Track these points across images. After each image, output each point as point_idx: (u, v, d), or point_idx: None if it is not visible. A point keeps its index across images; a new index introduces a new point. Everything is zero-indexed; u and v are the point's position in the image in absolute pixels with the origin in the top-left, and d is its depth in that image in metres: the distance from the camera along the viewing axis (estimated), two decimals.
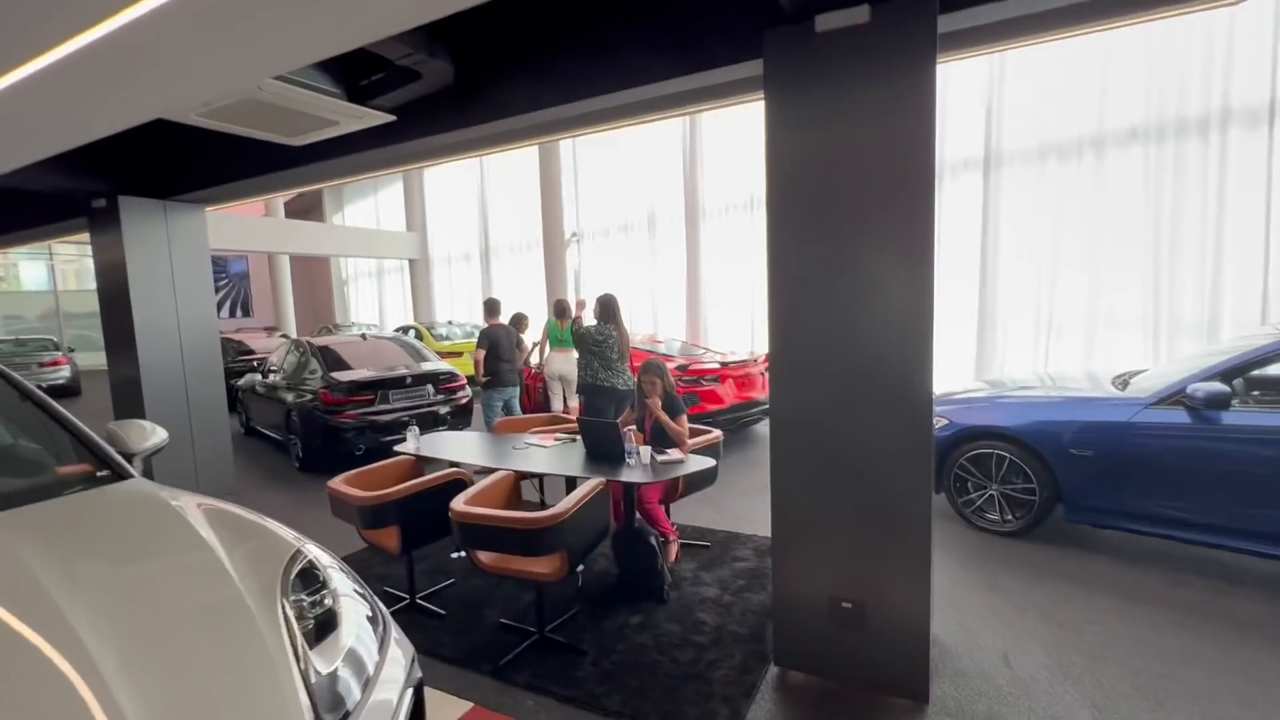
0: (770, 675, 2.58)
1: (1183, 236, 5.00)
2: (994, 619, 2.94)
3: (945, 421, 4.18)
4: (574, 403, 6.45)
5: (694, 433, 3.87)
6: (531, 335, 6.82)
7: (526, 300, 12.87)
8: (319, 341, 6.96)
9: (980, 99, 5.99)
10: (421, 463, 3.64)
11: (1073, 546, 3.69)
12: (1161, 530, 3.34)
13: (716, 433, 3.88)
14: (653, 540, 3.22)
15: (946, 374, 6.38)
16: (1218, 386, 3.14)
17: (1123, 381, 3.98)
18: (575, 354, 6.05)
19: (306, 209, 20.42)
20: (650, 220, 10.28)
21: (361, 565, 3.78)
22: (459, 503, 2.69)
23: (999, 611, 3.00)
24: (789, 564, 2.53)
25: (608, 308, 5.84)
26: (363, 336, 7.42)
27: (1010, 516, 3.87)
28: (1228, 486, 3.12)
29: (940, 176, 6.26)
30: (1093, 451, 3.51)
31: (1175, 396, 3.31)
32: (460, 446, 3.94)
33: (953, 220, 6.15)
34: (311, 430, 6.04)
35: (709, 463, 3.31)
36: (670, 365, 6.24)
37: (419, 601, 3.26)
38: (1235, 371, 3.23)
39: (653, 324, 10.38)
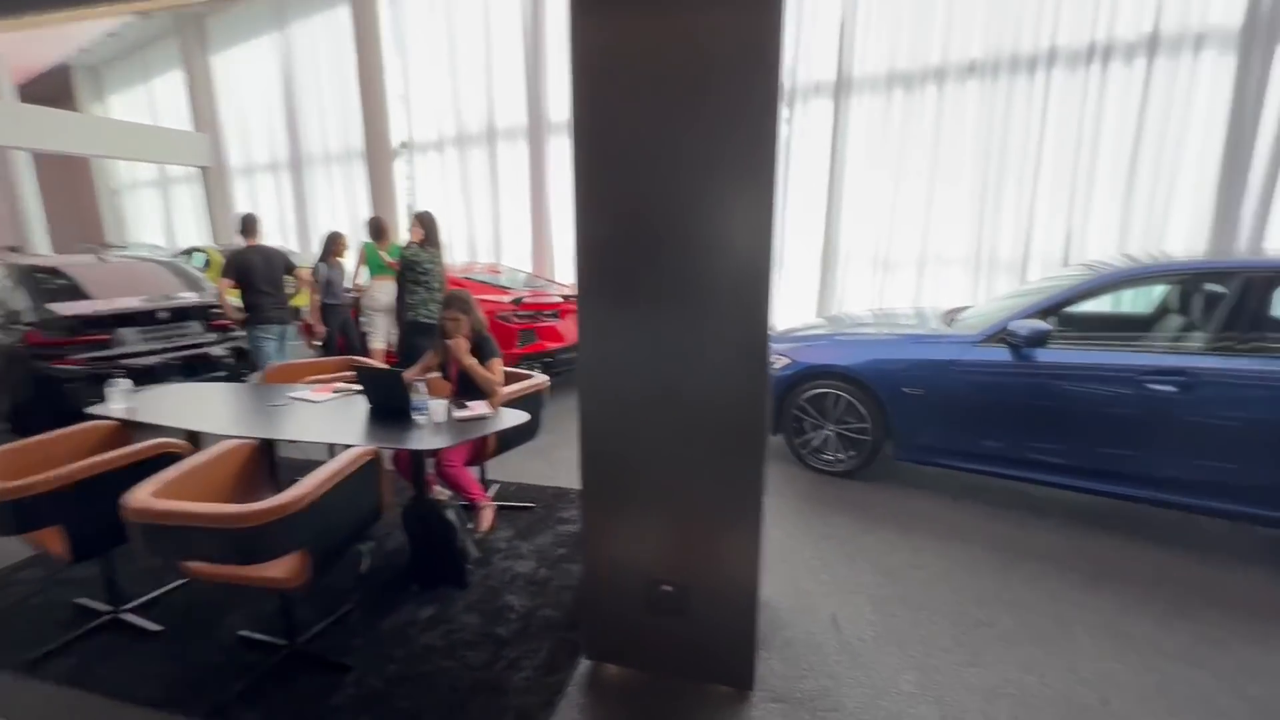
0: (581, 671, 2.16)
1: (1006, 176, 5.14)
2: (825, 573, 2.76)
3: (787, 361, 3.96)
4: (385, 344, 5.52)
5: (513, 378, 3.27)
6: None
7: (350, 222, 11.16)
8: (31, 262, 5.26)
9: (835, 17, 5.69)
10: (130, 429, 2.68)
11: (900, 484, 3.69)
12: (982, 466, 3.38)
13: (540, 378, 3.31)
14: (450, 514, 2.63)
15: (792, 309, 6.32)
16: (1038, 324, 3.12)
17: (950, 319, 3.98)
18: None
19: (53, 95, 15.99)
20: (489, 133, 9.10)
21: (46, 564, 2.80)
22: (140, 493, 1.87)
23: (831, 564, 2.84)
24: (602, 543, 2.07)
25: (430, 227, 4.94)
26: (99, 258, 5.74)
27: (844, 456, 3.79)
28: (1043, 422, 3.16)
29: (793, 99, 5.97)
30: (923, 389, 3.45)
31: (999, 334, 3.29)
32: (195, 404, 3.00)
33: (804, 149, 5.93)
34: (18, 382, 4.56)
35: (522, 417, 2.75)
36: (505, 299, 5.52)
37: (124, 616, 2.42)
38: (1052, 309, 3.25)
39: (495, 253, 9.41)
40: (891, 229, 5.61)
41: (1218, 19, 4.31)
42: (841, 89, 5.63)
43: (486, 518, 3.10)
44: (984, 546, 2.98)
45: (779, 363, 4.01)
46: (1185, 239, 4.55)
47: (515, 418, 2.74)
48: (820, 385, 3.79)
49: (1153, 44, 4.50)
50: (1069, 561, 2.84)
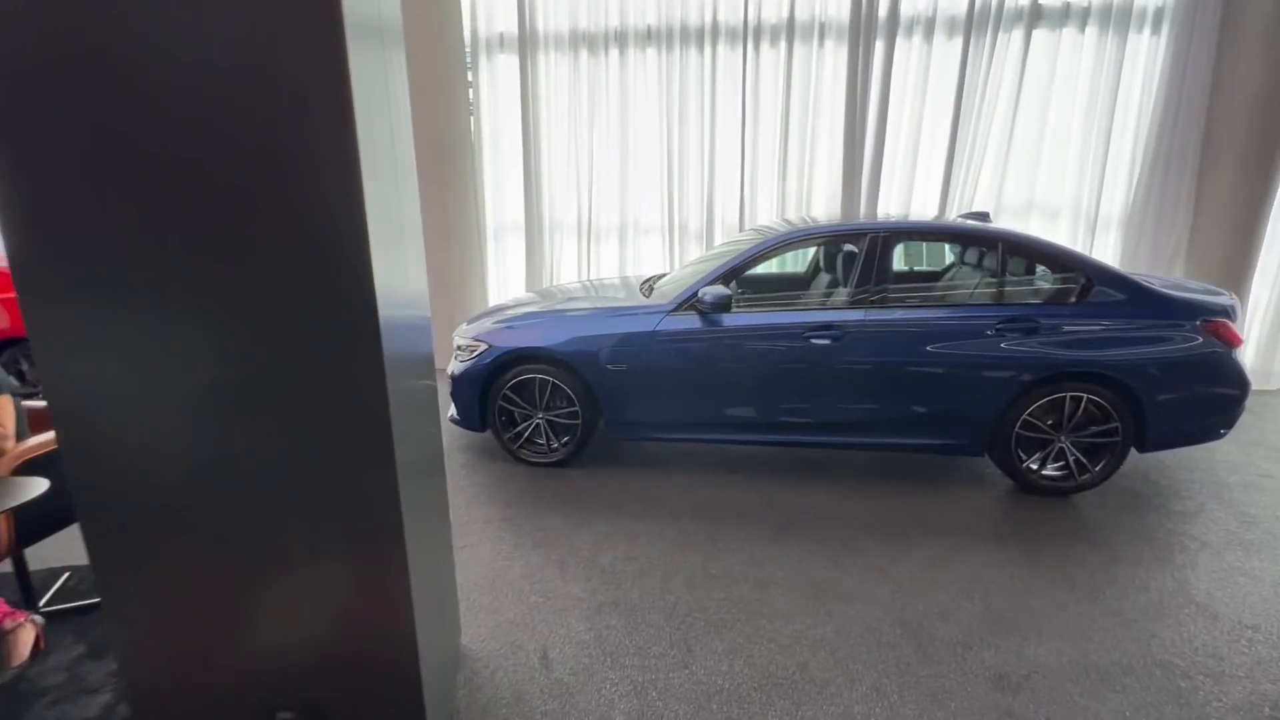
0: None
1: (688, 147, 5.34)
2: (535, 595, 2.40)
3: (484, 346, 3.48)
4: None
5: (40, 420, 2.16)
6: None
7: None
8: None
9: None
10: None
11: (617, 465, 3.55)
12: (687, 435, 3.39)
13: None
14: None
15: (507, 283, 5.85)
16: (721, 289, 3.17)
17: (649, 287, 3.93)
18: None
19: None
20: None
21: None
22: None
23: (542, 580, 2.49)
24: (148, 665, 1.35)
25: None
26: None
27: (557, 445, 3.49)
28: (733, 384, 3.25)
29: (477, 53, 5.38)
30: (626, 365, 3.30)
31: (689, 301, 3.28)
32: None
33: (499, 108, 5.41)
34: None
35: (41, 485, 1.76)
36: None
37: None
38: (732, 273, 3.34)
39: None
40: (593, 196, 5.49)
41: (835, 12, 5.03)
42: (527, 43, 5.24)
43: (23, 641, 2.00)
44: (692, 517, 2.96)
45: (476, 349, 3.51)
46: (825, 205, 5.31)
47: (33, 488, 1.74)
48: (524, 371, 3.41)
49: (790, 29, 5.07)
50: (762, 516, 2.97)
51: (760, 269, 3.76)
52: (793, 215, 5.30)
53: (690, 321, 3.25)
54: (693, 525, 2.89)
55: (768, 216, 5.44)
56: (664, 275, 4.30)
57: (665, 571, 2.54)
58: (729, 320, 3.22)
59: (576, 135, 5.45)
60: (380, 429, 1.24)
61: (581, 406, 3.39)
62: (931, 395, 3.10)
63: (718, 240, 5.51)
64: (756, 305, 3.41)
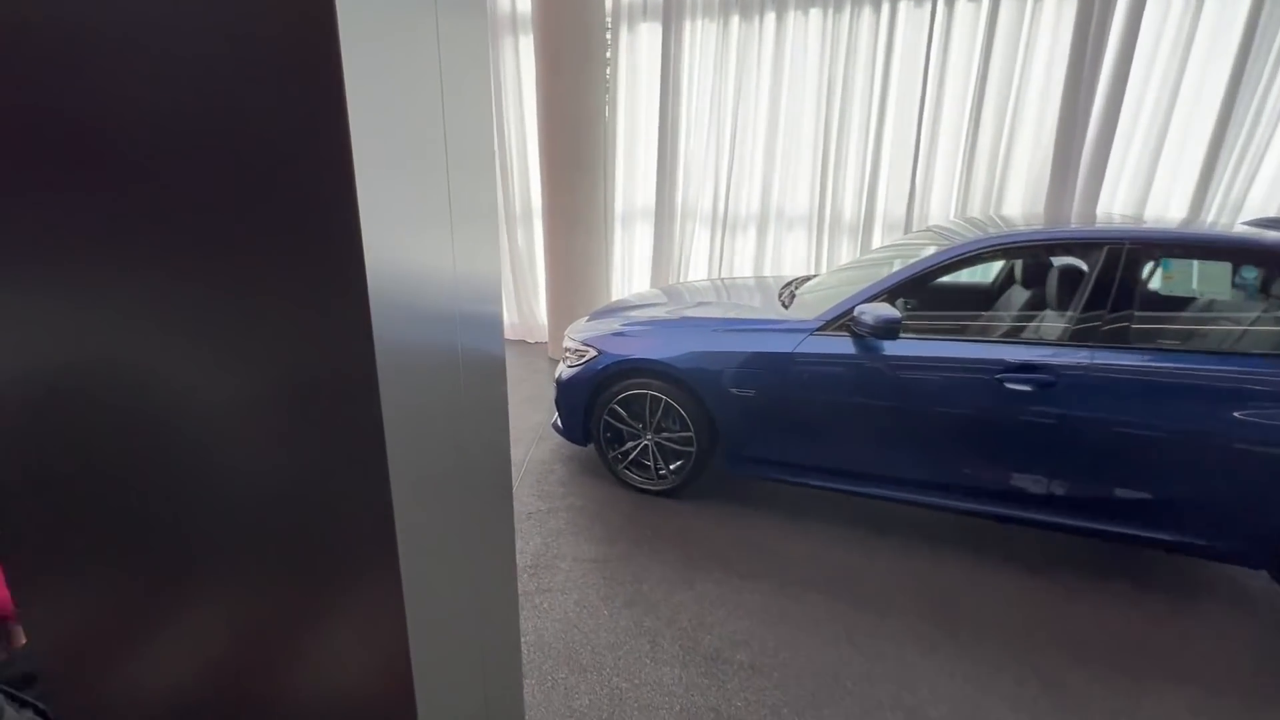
0: None
1: (849, 125, 4.55)
2: (619, 677, 1.96)
3: (593, 352, 3.08)
4: None
5: None
6: None
7: None
8: None
9: None
10: None
11: (732, 502, 3.01)
12: (825, 483, 2.76)
13: None
14: None
15: (632, 275, 5.47)
16: (887, 310, 2.47)
17: (790, 294, 3.30)
18: None
19: None
20: None
21: None
22: None
23: (630, 656, 2.05)
24: None
25: None
26: None
27: (665, 471, 3.03)
28: (890, 428, 2.57)
29: (618, 23, 4.96)
30: (754, 390, 2.73)
31: (842, 319, 2.62)
32: None
33: (637, 84, 4.97)
34: None
35: None
36: None
37: None
38: (900, 289, 2.63)
39: None
40: (732, 181, 4.90)
41: None
42: (673, 9, 4.72)
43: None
44: (822, 592, 2.35)
45: (585, 354, 3.12)
46: (1023, 200, 4.28)
47: None
48: (635, 384, 2.96)
49: None
50: (917, 606, 2.29)
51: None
52: (978, 213, 4.34)
53: (840, 345, 2.60)
54: (823, 605, 2.29)
55: (942, 213, 4.51)
56: (808, 279, 3.64)
57: (782, 674, 1.98)
58: (891, 348, 2.53)
59: (719, 112, 4.86)
60: (361, 425, 0.82)
61: (696, 432, 2.89)
62: (1196, 478, 2.20)
63: (876, 239, 4.69)
64: (929, 330, 2.67)
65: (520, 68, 5.18)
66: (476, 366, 1.15)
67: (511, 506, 1.61)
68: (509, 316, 5.79)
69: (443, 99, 0.90)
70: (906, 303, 2.84)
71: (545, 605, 2.27)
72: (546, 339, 5.39)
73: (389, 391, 0.77)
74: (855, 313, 2.54)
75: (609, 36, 4.94)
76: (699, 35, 4.82)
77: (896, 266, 2.76)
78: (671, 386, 2.89)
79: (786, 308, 3.07)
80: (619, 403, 3.02)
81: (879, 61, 4.42)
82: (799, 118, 4.71)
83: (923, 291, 2.88)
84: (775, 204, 4.92)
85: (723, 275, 5.10)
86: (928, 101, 4.34)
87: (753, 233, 5.06)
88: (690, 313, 3.16)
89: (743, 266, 5.11)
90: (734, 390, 2.76)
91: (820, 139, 4.67)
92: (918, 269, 2.57)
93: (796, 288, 3.45)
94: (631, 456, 3.10)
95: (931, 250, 2.65)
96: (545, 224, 4.92)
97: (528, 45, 5.03)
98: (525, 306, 5.71)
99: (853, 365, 2.57)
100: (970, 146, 4.31)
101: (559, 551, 2.60)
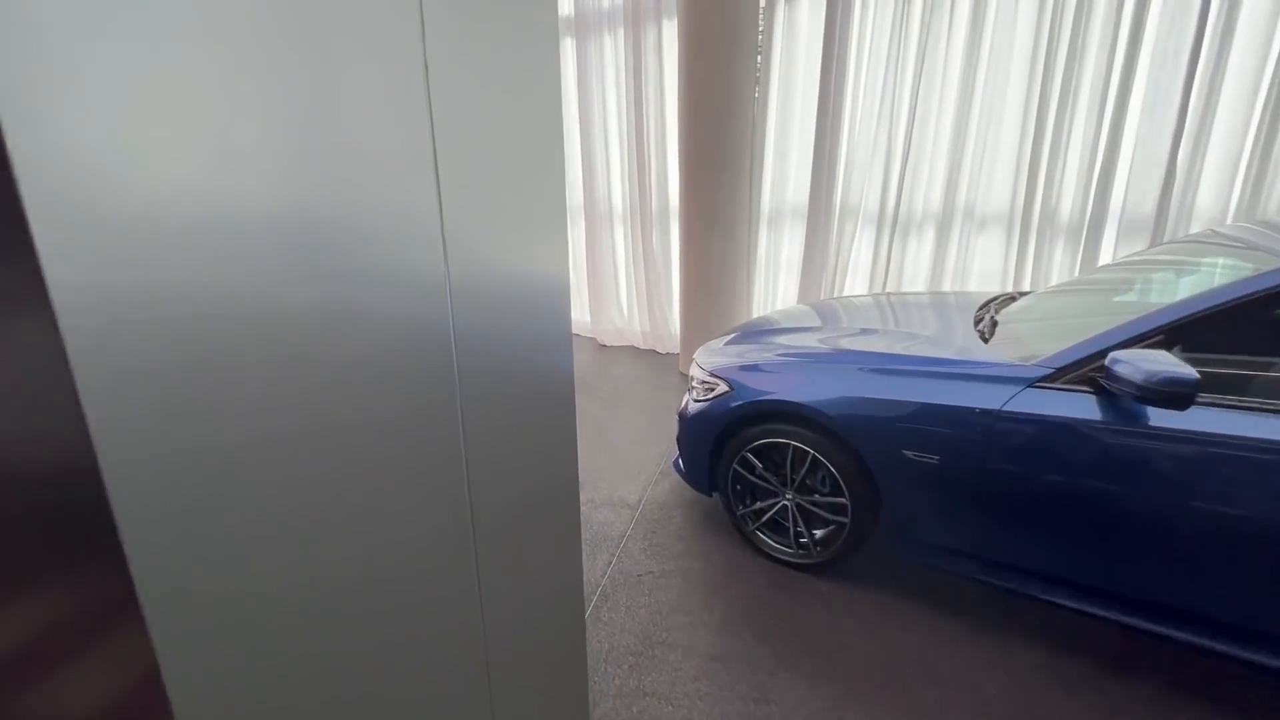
0: None
1: (1074, 98, 3.52)
2: None
3: (724, 388, 2.54)
4: None
5: None
6: None
7: None
8: None
9: None
10: None
11: (890, 592, 2.32)
12: (1030, 591, 1.99)
13: None
14: None
15: (778, 286, 4.83)
16: (1170, 364, 1.64)
17: (990, 321, 2.50)
18: None
19: None
20: None
21: None
22: None
23: None
24: None
25: None
26: None
27: (808, 540, 2.41)
28: (1150, 529, 1.75)
29: (773, 1, 4.32)
30: (939, 456, 2.02)
31: (1084, 368, 1.83)
32: None
33: (793, 66, 4.31)
34: None
35: None
36: None
37: None
38: (1183, 328, 1.77)
39: None
40: (907, 172, 4.05)
41: None
42: None
43: None
44: None
45: (714, 387, 2.59)
46: None
47: None
48: (774, 430, 2.38)
49: None
50: None
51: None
52: (1277, 212, 3.13)
53: (1079, 405, 1.81)
54: None
55: (1215, 210, 3.33)
56: (1013, 299, 2.79)
57: None
58: (1170, 418, 1.69)
59: (896, 92, 4.04)
60: None
61: (852, 500, 2.24)
62: None
63: (1108, 244, 3.60)
64: (1234, 392, 1.77)
65: (663, 54, 4.74)
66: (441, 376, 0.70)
67: (580, 611, 1.14)
68: (640, 325, 5.42)
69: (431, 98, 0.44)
70: (1184, 349, 1.94)
71: (647, 715, 1.79)
72: (678, 349, 4.93)
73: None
74: (1109, 361, 1.74)
75: (761, 18, 4.32)
76: (872, 8, 4.03)
77: (1168, 289, 1.89)
78: (822, 438, 2.27)
79: (986, 340, 2.30)
80: (752, 450, 2.45)
81: (1127, 11, 3.35)
82: (1001, 90, 3.75)
83: (1210, 332, 1.96)
84: (963, 199, 4.00)
85: (891, 290, 4.27)
86: (1202, 59, 3.19)
87: (930, 235, 4.18)
88: (850, 343, 2.50)
89: (915, 279, 4.24)
90: (908, 453, 2.07)
91: (1032, 116, 3.68)
92: (1226, 298, 1.69)
93: (998, 310, 2.62)
94: (766, 517, 2.52)
95: (1249, 269, 1.75)
96: (681, 224, 4.45)
97: (671, 31, 4.57)
98: (658, 313, 5.28)
99: (1100, 438, 1.77)
100: (1269, 120, 3.10)
101: (667, 637, 2.11)
